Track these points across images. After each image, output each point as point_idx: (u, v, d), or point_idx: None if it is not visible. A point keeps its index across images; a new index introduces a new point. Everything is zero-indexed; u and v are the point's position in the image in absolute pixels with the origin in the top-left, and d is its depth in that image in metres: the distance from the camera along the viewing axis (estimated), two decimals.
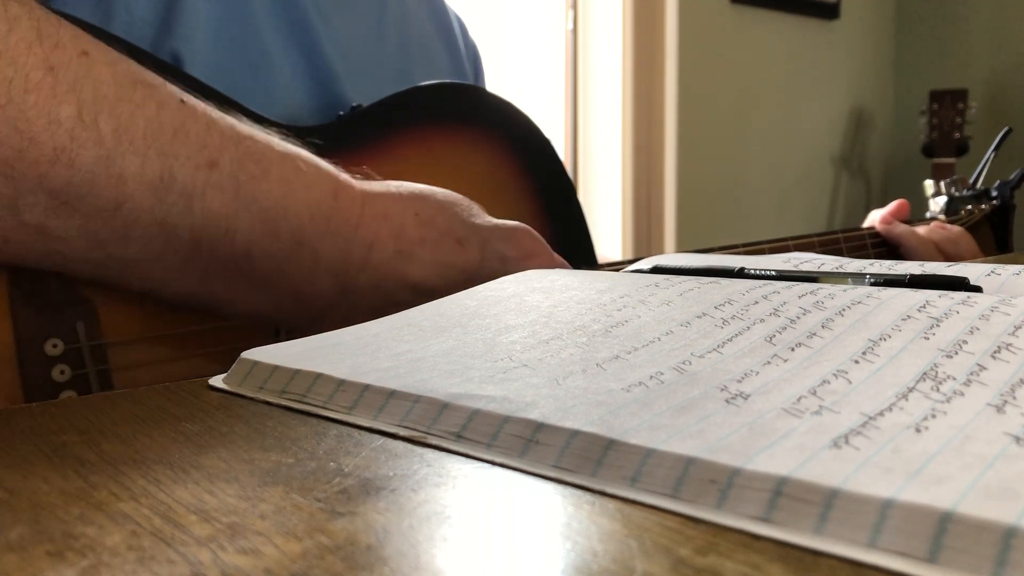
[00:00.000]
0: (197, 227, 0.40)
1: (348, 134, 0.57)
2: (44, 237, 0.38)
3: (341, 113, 0.58)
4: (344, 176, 0.47)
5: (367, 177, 0.48)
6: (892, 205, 0.88)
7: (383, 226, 0.46)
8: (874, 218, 0.89)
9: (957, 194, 0.96)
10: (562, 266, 0.54)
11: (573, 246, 0.68)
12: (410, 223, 0.47)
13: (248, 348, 0.30)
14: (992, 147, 0.99)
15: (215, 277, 0.42)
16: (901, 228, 0.83)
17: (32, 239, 0.38)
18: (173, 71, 0.50)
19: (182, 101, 0.40)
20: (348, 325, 0.46)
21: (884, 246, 0.84)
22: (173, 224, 0.40)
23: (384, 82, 0.65)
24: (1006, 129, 1.00)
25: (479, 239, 0.49)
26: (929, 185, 0.98)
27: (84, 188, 0.37)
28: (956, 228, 0.86)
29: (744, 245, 0.72)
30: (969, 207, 0.94)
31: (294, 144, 0.45)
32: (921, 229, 0.84)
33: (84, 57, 0.37)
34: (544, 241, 0.53)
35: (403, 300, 0.45)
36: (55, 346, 0.42)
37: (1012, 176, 0.95)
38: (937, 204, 0.96)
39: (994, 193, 0.95)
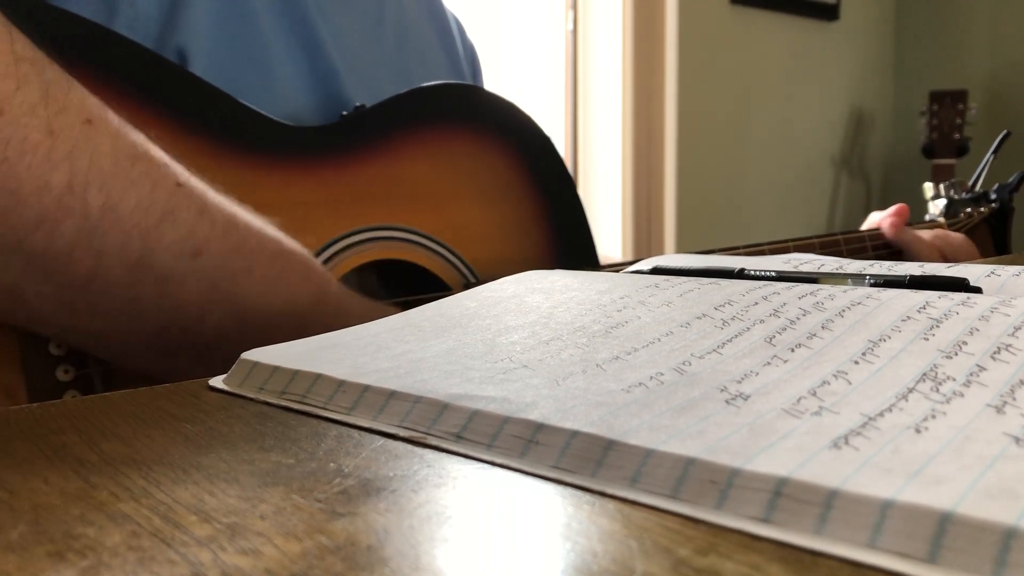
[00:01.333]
0: (167, 312, 0.40)
1: (352, 134, 0.57)
2: (15, 297, 0.37)
3: (344, 113, 0.58)
4: (334, 287, 0.46)
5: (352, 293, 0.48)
6: (892, 210, 0.88)
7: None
8: (873, 220, 0.89)
9: (956, 197, 0.96)
10: None
11: (575, 245, 0.68)
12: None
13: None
14: (991, 150, 0.99)
15: (178, 356, 0.42)
16: (910, 235, 0.83)
17: (3, 297, 0.37)
18: (175, 70, 0.50)
19: (178, 184, 0.40)
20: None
21: (885, 248, 0.84)
22: (144, 305, 0.39)
23: (383, 81, 0.65)
24: (1005, 132, 1.00)
25: None
26: (928, 188, 0.98)
27: (61, 258, 0.36)
28: (959, 236, 0.86)
29: (745, 247, 0.72)
30: (968, 210, 0.94)
31: (287, 239, 0.45)
32: (925, 234, 0.84)
33: (87, 125, 0.36)
34: None
35: None
36: (59, 346, 0.42)
37: (1011, 179, 0.95)
38: (936, 207, 0.96)
39: (993, 196, 0.95)
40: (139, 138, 0.39)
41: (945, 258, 0.82)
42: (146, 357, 0.42)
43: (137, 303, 0.39)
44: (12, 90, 0.34)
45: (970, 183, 0.98)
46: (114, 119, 0.38)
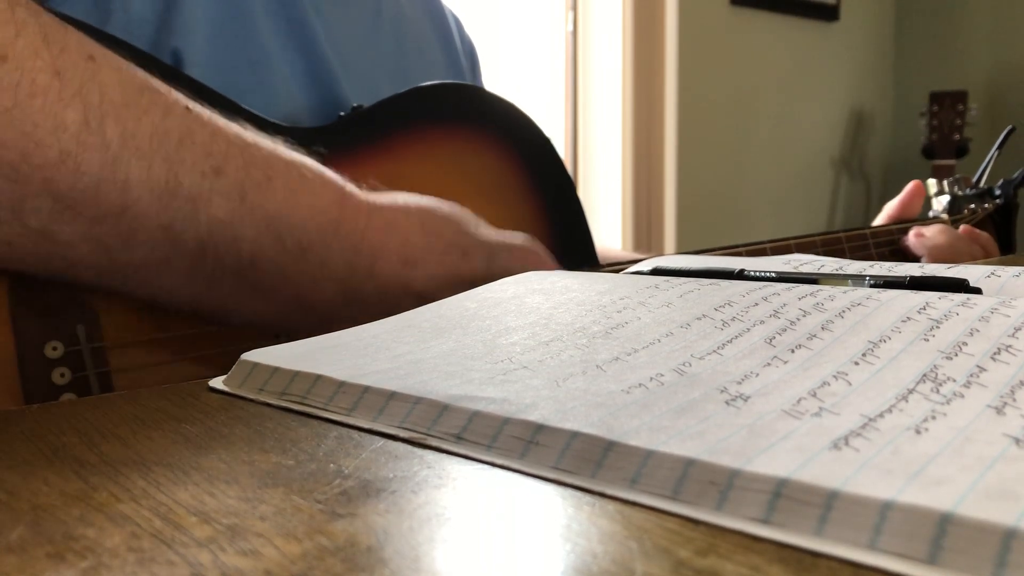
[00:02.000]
0: (202, 233, 0.40)
1: (349, 134, 0.57)
2: (48, 242, 0.37)
3: (342, 114, 0.58)
4: (350, 186, 0.47)
5: (373, 188, 0.48)
6: (908, 189, 0.88)
7: (389, 236, 0.46)
8: (888, 210, 0.89)
9: (960, 193, 0.96)
10: None
11: (574, 245, 0.68)
12: (416, 234, 0.47)
13: (248, 350, 0.30)
14: (995, 146, 0.99)
15: (220, 283, 0.42)
16: (931, 243, 0.82)
17: (36, 243, 0.37)
18: (171, 71, 0.50)
19: (187, 108, 0.40)
20: None
21: (887, 246, 0.83)
22: (178, 230, 0.40)
23: (381, 80, 0.65)
24: (1009, 128, 1.00)
25: (484, 251, 0.49)
26: (932, 184, 0.98)
27: (89, 192, 0.37)
28: (967, 228, 0.85)
29: (745, 245, 0.72)
30: (972, 206, 0.94)
31: (299, 151, 0.45)
32: (940, 238, 0.82)
33: (90, 62, 0.37)
34: (549, 255, 0.54)
35: (408, 309, 0.46)
36: (55, 349, 0.42)
37: (1015, 175, 0.95)
38: (940, 203, 0.96)
39: (997, 192, 0.94)
40: (141, 71, 0.40)
41: (960, 254, 0.81)
42: (188, 288, 0.42)
43: (170, 229, 0.39)
44: (12, 36, 0.34)
45: (974, 179, 0.98)
46: (113, 54, 0.39)
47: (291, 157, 0.44)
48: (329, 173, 0.46)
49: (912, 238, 0.82)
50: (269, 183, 0.42)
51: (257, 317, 0.45)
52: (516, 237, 0.53)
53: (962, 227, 0.85)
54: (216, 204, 0.40)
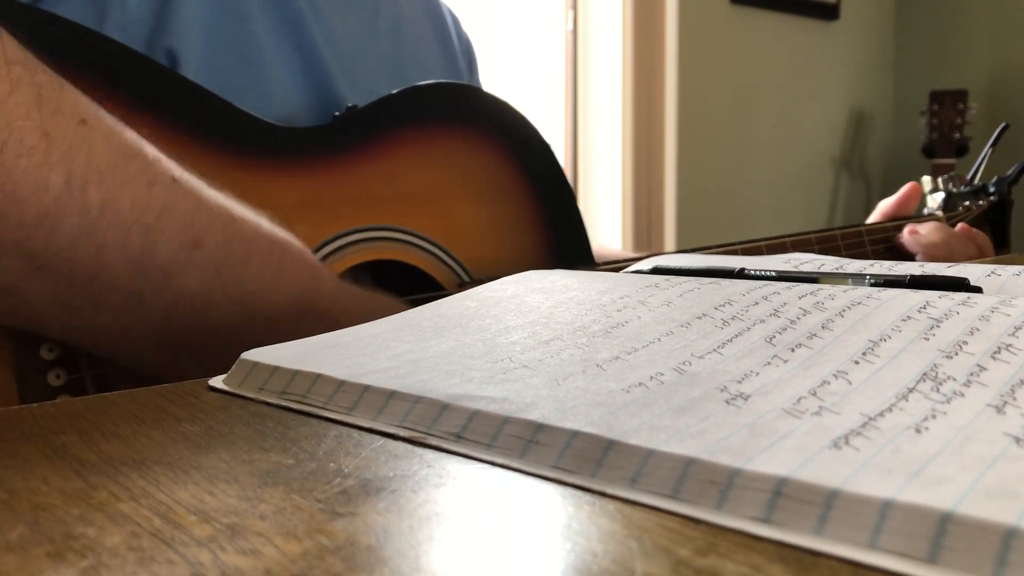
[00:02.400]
0: (171, 304, 0.40)
1: (344, 134, 0.57)
2: (15, 298, 0.37)
3: (337, 113, 0.58)
4: (327, 271, 0.47)
5: (353, 282, 0.49)
6: (904, 190, 0.88)
7: (356, 313, 0.46)
8: (883, 208, 0.88)
9: (955, 190, 0.96)
10: None
11: (570, 245, 0.68)
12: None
13: (247, 349, 0.30)
14: (989, 143, 0.99)
15: (182, 351, 0.42)
16: (925, 241, 0.82)
17: (2, 298, 0.37)
18: (166, 73, 0.50)
19: (174, 179, 0.40)
20: None
21: (883, 243, 0.83)
22: (147, 300, 0.39)
23: (378, 78, 0.65)
24: (1003, 125, 1.00)
25: None
26: (927, 181, 0.98)
27: (63, 255, 0.36)
28: (963, 226, 0.85)
29: (741, 243, 0.72)
30: (967, 203, 0.94)
31: (282, 231, 0.45)
32: (934, 236, 0.82)
33: (82, 126, 0.37)
34: None
35: None
36: (51, 350, 0.42)
37: (1010, 172, 0.95)
38: (935, 200, 0.96)
39: (992, 189, 0.94)
40: (133, 136, 0.39)
41: (955, 252, 0.81)
42: (149, 353, 0.42)
43: (140, 297, 0.39)
44: (6, 93, 0.34)
45: (969, 176, 0.97)
46: (108, 118, 0.38)
47: (273, 237, 0.44)
48: (309, 256, 0.46)
49: (907, 235, 0.82)
50: (248, 260, 0.42)
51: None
52: None
53: (959, 225, 0.85)
54: (190, 277, 0.40)
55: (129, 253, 0.38)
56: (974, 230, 0.85)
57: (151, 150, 0.40)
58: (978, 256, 0.83)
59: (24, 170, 0.34)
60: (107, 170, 0.37)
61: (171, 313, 0.40)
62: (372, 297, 0.50)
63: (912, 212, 0.89)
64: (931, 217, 0.90)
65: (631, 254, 0.76)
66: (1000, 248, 0.94)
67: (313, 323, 0.44)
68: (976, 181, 0.97)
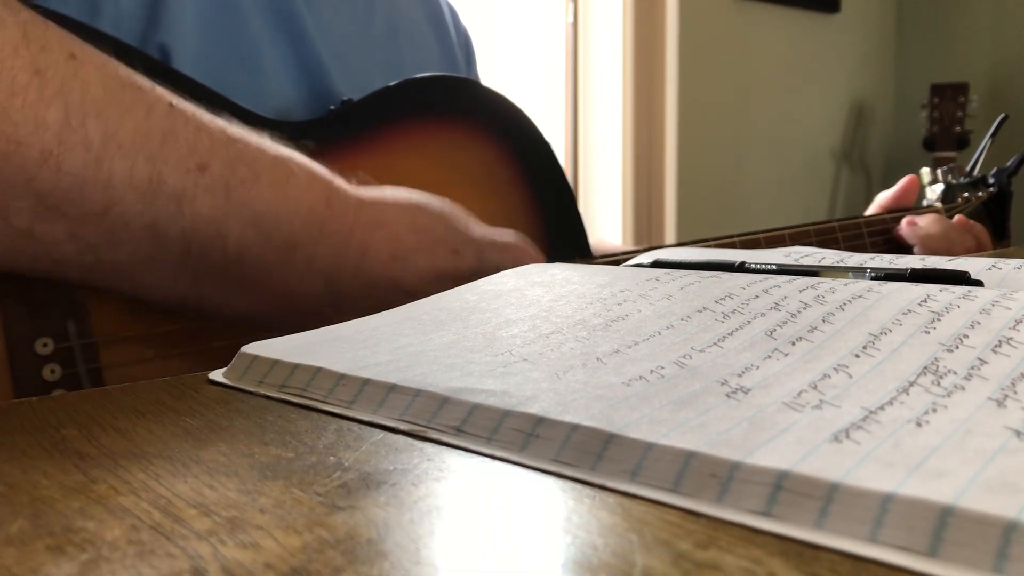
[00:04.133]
0: (187, 231, 0.40)
1: (340, 128, 0.57)
2: (33, 241, 0.37)
3: (332, 107, 0.58)
4: (338, 181, 0.46)
5: (363, 182, 0.48)
6: (902, 183, 0.87)
7: (378, 233, 0.46)
8: (881, 200, 0.88)
9: (954, 181, 0.96)
10: None
11: (567, 238, 0.68)
12: (405, 230, 0.47)
13: (245, 343, 0.30)
14: (988, 134, 0.99)
15: (206, 280, 0.42)
16: (924, 232, 0.81)
17: (20, 243, 0.37)
18: (160, 67, 0.50)
19: (171, 105, 0.40)
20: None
21: (881, 235, 0.83)
22: (163, 228, 0.39)
23: (373, 72, 0.64)
24: (1002, 116, 1.00)
25: (474, 249, 0.49)
26: (926, 173, 0.98)
27: (72, 192, 0.36)
28: (961, 218, 0.85)
29: (740, 235, 0.72)
30: (966, 194, 0.94)
31: (287, 147, 0.45)
32: (933, 228, 0.82)
33: (71, 60, 0.36)
34: (539, 252, 0.53)
35: (396, 305, 0.46)
36: (45, 345, 0.42)
37: (1009, 163, 0.95)
38: (934, 192, 0.96)
39: (991, 180, 0.94)
40: (123, 68, 0.39)
41: (953, 244, 0.81)
42: (174, 284, 0.42)
43: (155, 227, 0.39)
44: None
45: (968, 167, 0.97)
46: (96, 52, 0.38)
47: (278, 153, 0.44)
48: (317, 168, 0.46)
49: (905, 227, 0.82)
50: (255, 179, 0.42)
51: (244, 312, 0.45)
52: (507, 235, 0.53)
53: (956, 217, 0.85)
54: (201, 201, 0.40)
55: (137, 183, 0.38)
56: (971, 222, 0.85)
57: (144, 80, 0.40)
58: (976, 248, 0.83)
59: (20, 109, 0.34)
60: (103, 102, 0.37)
61: (188, 240, 0.40)
62: (382, 189, 0.49)
63: (910, 204, 0.89)
64: (930, 209, 0.90)
65: (628, 248, 0.76)
66: (999, 239, 0.94)
67: (330, 236, 0.44)
68: (975, 172, 0.97)
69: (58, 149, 0.35)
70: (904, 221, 0.82)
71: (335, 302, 0.46)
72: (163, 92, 0.40)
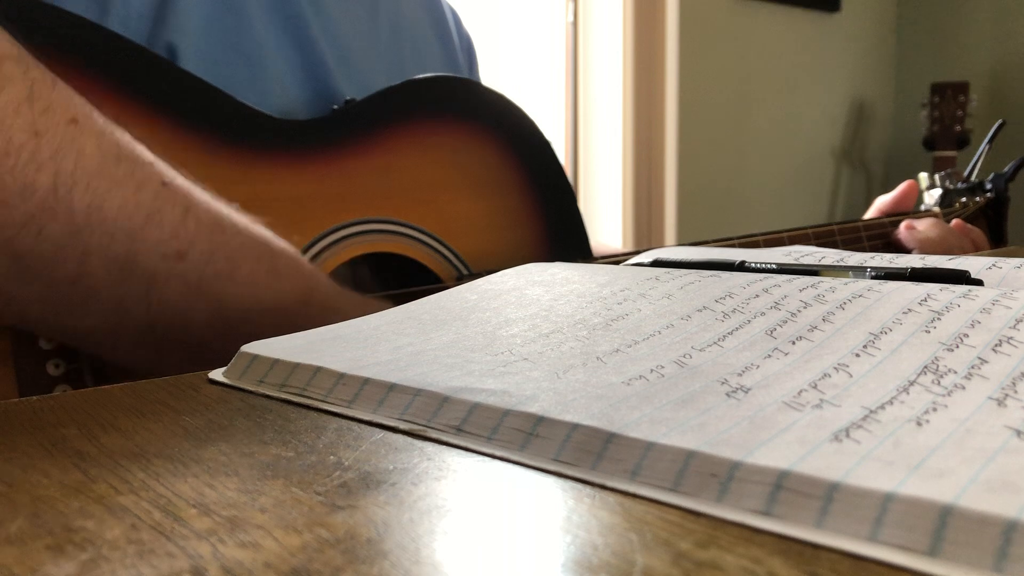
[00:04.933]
0: (153, 313, 0.40)
1: (342, 128, 0.57)
2: (2, 299, 0.37)
3: (335, 107, 0.58)
4: (321, 277, 0.46)
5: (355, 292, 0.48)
6: (900, 188, 0.87)
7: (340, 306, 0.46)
8: (879, 204, 0.88)
9: (952, 187, 0.96)
10: None
11: (568, 240, 0.68)
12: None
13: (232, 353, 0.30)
14: (986, 139, 0.99)
15: (168, 352, 0.42)
16: (922, 236, 0.81)
17: None
18: (166, 66, 0.50)
19: (164, 183, 0.39)
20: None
21: (880, 238, 0.83)
22: (129, 306, 0.39)
23: (377, 74, 0.64)
24: (999, 122, 1.00)
25: None
26: (924, 178, 0.98)
27: (47, 258, 0.36)
28: (958, 223, 0.85)
29: (739, 237, 0.72)
30: (964, 199, 0.94)
31: (276, 239, 0.45)
32: (931, 232, 0.82)
33: (72, 125, 0.36)
34: None
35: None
36: (49, 340, 0.42)
37: (1007, 168, 0.95)
38: (932, 197, 0.96)
39: (988, 186, 0.94)
40: (124, 137, 0.39)
41: (951, 248, 0.81)
42: (136, 353, 0.42)
43: (122, 303, 0.39)
44: None
45: (966, 173, 0.97)
46: (99, 118, 0.38)
47: (263, 248, 0.43)
48: (302, 265, 0.45)
49: (903, 231, 0.82)
50: (231, 275, 0.42)
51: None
52: None
53: (954, 221, 0.85)
54: (172, 287, 0.40)
55: (112, 260, 0.38)
56: (969, 226, 0.85)
57: (142, 152, 0.39)
58: (974, 252, 0.83)
59: (11, 169, 0.34)
60: (95, 173, 0.37)
61: (154, 320, 0.40)
62: (367, 303, 0.49)
63: (909, 209, 0.90)
64: (928, 213, 0.90)
65: (629, 251, 0.76)
66: (997, 244, 0.94)
67: (299, 322, 0.44)
68: (973, 178, 0.97)
69: (41, 216, 0.35)
70: (902, 225, 0.82)
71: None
72: (160, 168, 0.40)
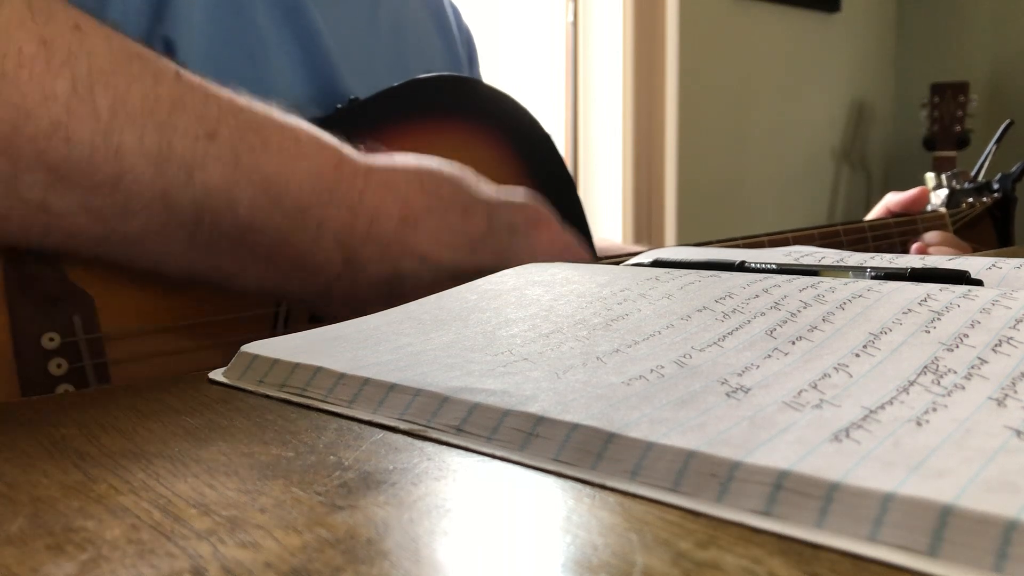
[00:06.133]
0: (199, 199, 0.40)
1: (346, 127, 0.57)
2: (45, 214, 0.37)
3: (339, 106, 0.58)
4: (347, 148, 0.46)
5: (372, 150, 0.48)
6: (913, 193, 0.88)
7: (387, 196, 0.46)
8: (888, 202, 0.88)
9: (958, 187, 0.96)
10: (569, 239, 0.54)
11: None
12: (415, 193, 0.47)
13: (248, 341, 0.30)
14: (993, 140, 0.99)
15: (219, 250, 0.42)
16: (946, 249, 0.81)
17: (33, 216, 0.37)
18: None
19: (178, 73, 0.40)
20: (354, 295, 0.45)
21: (885, 239, 0.83)
22: (174, 197, 0.39)
23: (378, 70, 0.64)
24: (1008, 122, 1.00)
25: (486, 208, 0.49)
26: (930, 178, 0.98)
27: (83, 162, 0.36)
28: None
29: (743, 238, 0.72)
30: (970, 200, 0.94)
31: (294, 116, 0.45)
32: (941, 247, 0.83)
33: (77, 31, 0.37)
34: (551, 212, 0.53)
35: (409, 269, 0.45)
36: (52, 339, 0.42)
37: (1014, 169, 0.95)
38: (938, 197, 0.96)
39: (995, 186, 0.94)
40: (128, 39, 0.39)
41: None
42: (188, 255, 0.42)
43: (166, 196, 0.39)
44: None
45: (972, 173, 0.97)
46: (100, 23, 0.38)
47: (286, 120, 0.44)
48: (325, 136, 0.46)
49: (915, 252, 0.82)
50: (264, 146, 0.42)
51: (257, 283, 0.45)
52: (517, 194, 0.53)
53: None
54: (211, 169, 0.40)
55: (147, 152, 0.38)
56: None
57: (148, 50, 0.40)
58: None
59: (28, 80, 0.35)
60: (110, 72, 0.37)
61: (200, 208, 0.40)
62: (392, 157, 0.49)
63: (917, 212, 0.90)
64: (934, 215, 0.90)
65: (631, 247, 0.76)
66: (1004, 245, 0.94)
67: (340, 201, 0.44)
68: (980, 178, 0.97)
69: (67, 119, 0.35)
70: (914, 248, 0.82)
71: (350, 271, 0.45)
72: (169, 62, 0.40)
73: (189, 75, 0.41)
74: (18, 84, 0.34)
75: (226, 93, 0.42)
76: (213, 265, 0.43)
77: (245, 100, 0.43)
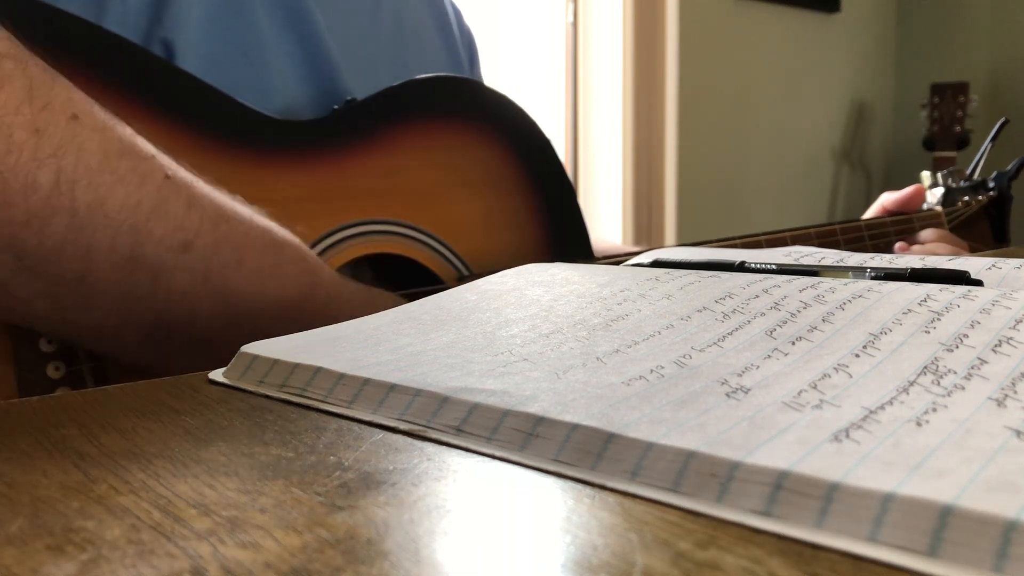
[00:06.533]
0: (159, 307, 0.40)
1: (344, 128, 0.57)
2: (6, 295, 0.37)
3: (336, 107, 0.58)
4: (326, 270, 0.46)
5: (355, 279, 0.49)
6: (908, 191, 0.88)
7: (344, 313, 0.46)
8: (884, 201, 0.89)
9: (954, 185, 0.96)
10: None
11: (569, 239, 0.68)
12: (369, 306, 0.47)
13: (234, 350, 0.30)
14: (989, 138, 0.99)
15: (172, 350, 0.42)
16: (943, 250, 0.81)
17: None
18: (165, 66, 0.50)
19: (166, 177, 0.39)
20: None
21: (883, 238, 0.83)
22: (136, 300, 0.39)
23: (379, 71, 0.64)
24: (1003, 120, 1.00)
25: None
26: (926, 176, 0.98)
27: (51, 256, 0.36)
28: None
29: (741, 237, 0.72)
30: (966, 198, 0.94)
31: (280, 229, 0.44)
32: (937, 247, 0.83)
33: (73, 121, 0.36)
34: None
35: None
36: (50, 343, 0.42)
37: (1009, 167, 0.95)
38: (934, 195, 0.96)
39: (991, 184, 0.94)
40: (126, 132, 0.39)
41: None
42: (140, 352, 0.42)
43: (128, 298, 0.39)
44: None
45: (968, 171, 0.97)
46: (100, 113, 0.38)
47: (268, 238, 0.43)
48: (310, 256, 0.45)
49: (902, 246, 0.83)
50: (237, 265, 0.41)
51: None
52: None
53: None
54: (178, 279, 0.39)
55: (117, 254, 0.37)
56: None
57: (144, 146, 0.39)
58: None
59: (12, 168, 0.34)
60: (97, 168, 0.37)
61: (160, 314, 0.40)
62: (371, 293, 0.49)
63: (913, 211, 0.90)
64: (930, 213, 0.90)
65: (630, 248, 0.76)
66: (999, 243, 0.94)
67: (306, 324, 0.44)
68: (975, 176, 0.97)
69: (44, 213, 0.35)
70: (897, 247, 0.83)
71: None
72: (162, 161, 0.40)
73: (180, 176, 0.40)
74: (2, 171, 0.34)
75: (213, 198, 0.41)
76: (163, 360, 0.43)
77: (232, 208, 0.42)
